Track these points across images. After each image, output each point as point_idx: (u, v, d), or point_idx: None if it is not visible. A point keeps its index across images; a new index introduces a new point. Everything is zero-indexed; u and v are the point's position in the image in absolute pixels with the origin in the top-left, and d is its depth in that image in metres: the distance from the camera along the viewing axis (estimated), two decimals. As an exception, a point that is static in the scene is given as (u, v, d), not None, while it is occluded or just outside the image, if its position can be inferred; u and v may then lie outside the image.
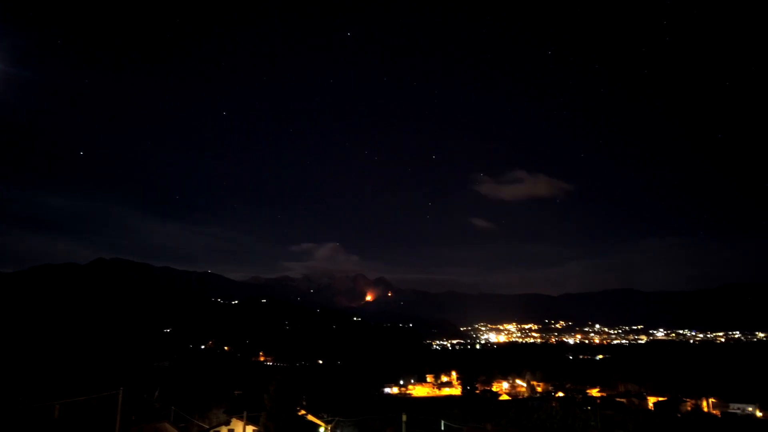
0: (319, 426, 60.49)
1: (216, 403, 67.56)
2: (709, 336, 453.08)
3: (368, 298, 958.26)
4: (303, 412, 59.90)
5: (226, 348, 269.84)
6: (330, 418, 64.37)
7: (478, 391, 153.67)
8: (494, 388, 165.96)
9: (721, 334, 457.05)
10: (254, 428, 46.85)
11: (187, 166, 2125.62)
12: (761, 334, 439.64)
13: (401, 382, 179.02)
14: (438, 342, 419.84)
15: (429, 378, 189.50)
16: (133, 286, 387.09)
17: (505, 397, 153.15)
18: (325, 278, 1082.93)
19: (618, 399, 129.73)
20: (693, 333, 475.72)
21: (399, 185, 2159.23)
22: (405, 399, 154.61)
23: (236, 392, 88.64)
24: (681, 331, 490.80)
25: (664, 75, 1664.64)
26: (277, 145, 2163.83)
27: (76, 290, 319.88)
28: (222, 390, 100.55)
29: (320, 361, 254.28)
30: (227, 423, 52.52)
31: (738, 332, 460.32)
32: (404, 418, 43.72)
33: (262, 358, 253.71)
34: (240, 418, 47.44)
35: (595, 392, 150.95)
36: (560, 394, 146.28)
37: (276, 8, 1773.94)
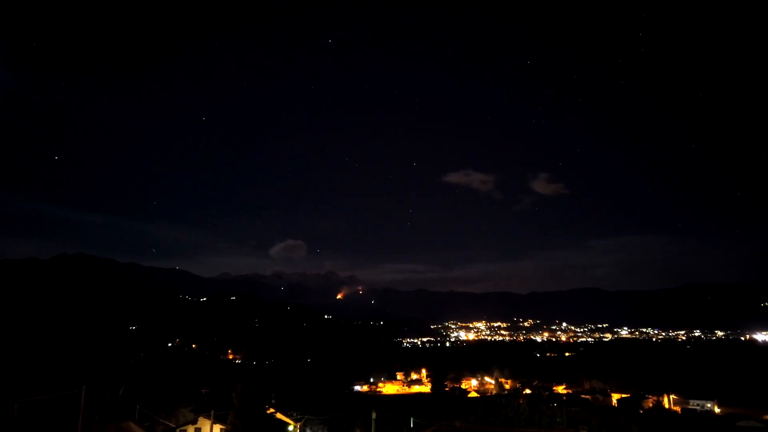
0: (289, 424, 60.16)
1: (183, 401, 66.50)
2: (671, 334, 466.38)
3: (339, 296, 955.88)
4: (272, 410, 59.42)
5: (193, 346, 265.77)
6: (299, 416, 64.06)
7: (447, 389, 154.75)
8: (463, 386, 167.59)
9: (682, 332, 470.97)
10: (222, 427, 46.31)
11: (157, 163, 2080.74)
12: (720, 333, 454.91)
13: (371, 380, 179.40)
14: (408, 340, 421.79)
15: (399, 376, 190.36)
16: (97, 282, 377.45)
17: (473, 394, 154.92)
18: (296, 276, 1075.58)
19: (583, 396, 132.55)
20: (656, 331, 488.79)
21: (379, 191, 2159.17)
22: (375, 397, 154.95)
23: (204, 391, 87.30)
24: (644, 330, 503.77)
25: (638, 84, 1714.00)
26: (256, 148, 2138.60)
27: (36, 286, 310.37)
28: (189, 388, 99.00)
29: (290, 359, 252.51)
30: (194, 422, 51.77)
31: (698, 331, 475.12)
32: (374, 415, 43.77)
33: (230, 356, 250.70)
34: (207, 417, 46.79)
35: (561, 389, 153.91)
36: (527, 391, 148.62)
37: (257, 14, 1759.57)
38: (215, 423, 45.22)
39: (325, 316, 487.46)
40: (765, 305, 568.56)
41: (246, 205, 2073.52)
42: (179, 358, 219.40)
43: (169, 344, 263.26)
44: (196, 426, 51.19)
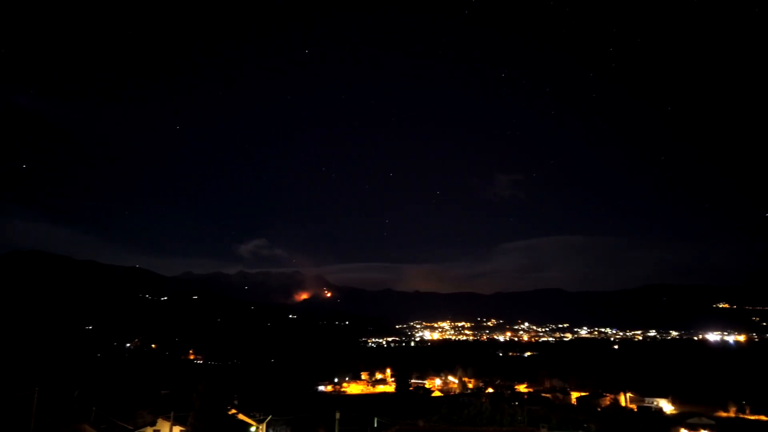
0: (251, 425, 59.42)
1: (141, 403, 65.02)
2: (628, 334, 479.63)
3: (304, 295, 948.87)
4: (234, 411, 58.58)
5: (153, 346, 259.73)
6: (262, 417, 63.35)
7: (411, 388, 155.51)
8: (427, 385, 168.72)
9: (639, 332, 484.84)
10: (182, 428, 45.42)
11: (118, 160, 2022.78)
12: (675, 333, 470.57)
13: (336, 380, 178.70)
14: (373, 340, 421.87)
15: (364, 375, 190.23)
16: (52, 280, 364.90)
17: (437, 393, 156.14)
18: (261, 275, 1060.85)
19: (544, 394, 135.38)
20: (614, 331, 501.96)
21: (355, 200, 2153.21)
22: (339, 397, 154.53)
23: (163, 392, 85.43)
24: (603, 329, 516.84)
25: (608, 93, 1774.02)
26: (227, 151, 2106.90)
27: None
28: (148, 390, 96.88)
29: (253, 359, 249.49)
30: (153, 424, 50.63)
31: (654, 330, 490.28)
32: (338, 415, 43.71)
33: (191, 357, 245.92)
34: (167, 419, 45.82)
35: (522, 388, 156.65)
36: (490, 390, 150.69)
37: (233, 24, 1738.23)
38: (175, 425, 44.28)
39: (290, 316, 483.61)
40: (716, 306, 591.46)
41: (211, 203, 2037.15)
42: (138, 359, 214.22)
43: (128, 344, 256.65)
44: (154, 428, 50.04)
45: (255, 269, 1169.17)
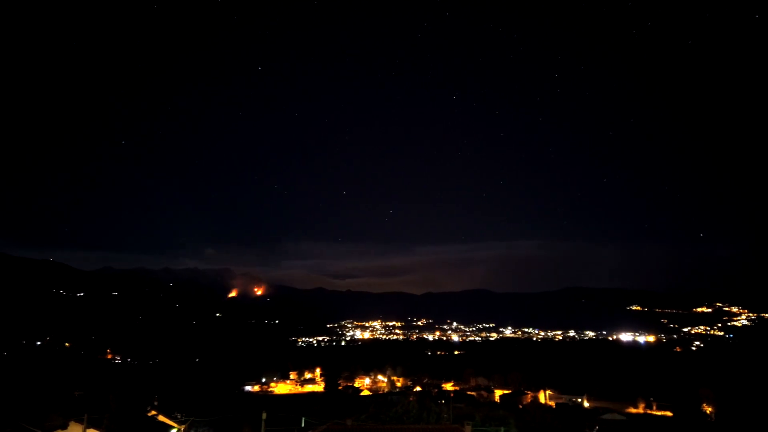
0: (172, 427, 57.23)
1: (52, 405, 61.09)
2: (549, 334, 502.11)
3: (233, 293, 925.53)
4: (154, 412, 56.23)
5: (66, 344, 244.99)
6: (184, 419, 61.20)
7: (340, 388, 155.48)
8: (356, 384, 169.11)
9: (559, 332, 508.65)
10: (96, 432, 43.10)
11: (35, 145, 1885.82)
12: (591, 333, 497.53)
13: (263, 380, 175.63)
14: (304, 339, 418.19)
15: (292, 375, 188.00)
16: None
17: (366, 392, 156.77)
18: (188, 272, 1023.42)
19: (469, 392, 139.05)
20: (536, 331, 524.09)
21: (309, 220, 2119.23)
22: (266, 397, 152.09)
23: (76, 393, 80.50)
24: (526, 329, 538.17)
25: (553, 121, 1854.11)
26: (169, 152, 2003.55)
27: None
28: (59, 391, 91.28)
29: (177, 359, 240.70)
30: (64, 427, 47.63)
31: (573, 331, 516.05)
32: (264, 416, 42.78)
33: (109, 356, 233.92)
34: (79, 421, 43.30)
35: (449, 386, 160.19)
36: (418, 388, 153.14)
37: (188, 40, 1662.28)
38: (89, 428, 41.92)
39: (217, 315, 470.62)
40: (630, 309, 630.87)
41: (136, 195, 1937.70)
42: (49, 358, 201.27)
43: (38, 342, 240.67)
44: (65, 431, 47.14)
45: (181, 265, 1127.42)
